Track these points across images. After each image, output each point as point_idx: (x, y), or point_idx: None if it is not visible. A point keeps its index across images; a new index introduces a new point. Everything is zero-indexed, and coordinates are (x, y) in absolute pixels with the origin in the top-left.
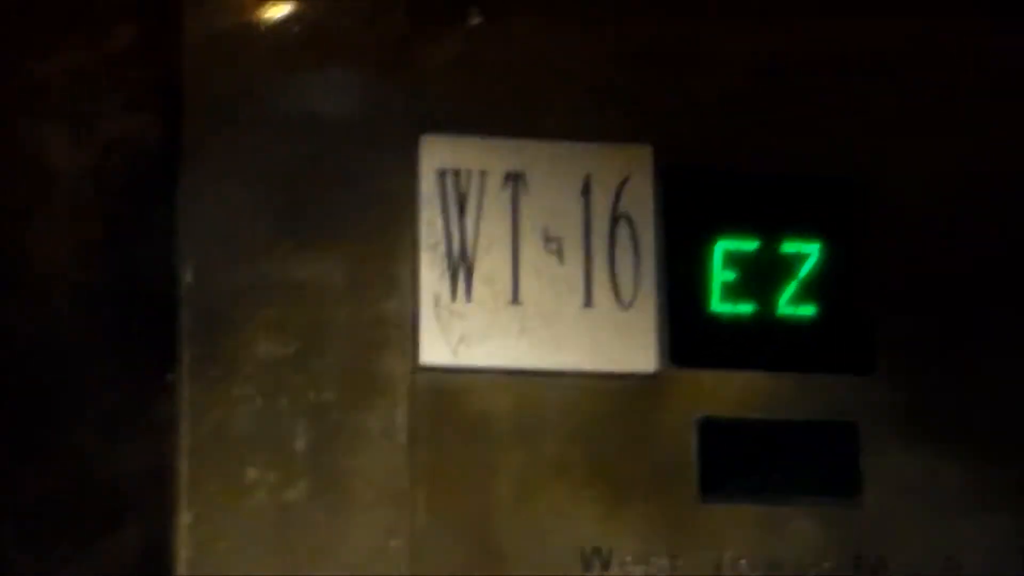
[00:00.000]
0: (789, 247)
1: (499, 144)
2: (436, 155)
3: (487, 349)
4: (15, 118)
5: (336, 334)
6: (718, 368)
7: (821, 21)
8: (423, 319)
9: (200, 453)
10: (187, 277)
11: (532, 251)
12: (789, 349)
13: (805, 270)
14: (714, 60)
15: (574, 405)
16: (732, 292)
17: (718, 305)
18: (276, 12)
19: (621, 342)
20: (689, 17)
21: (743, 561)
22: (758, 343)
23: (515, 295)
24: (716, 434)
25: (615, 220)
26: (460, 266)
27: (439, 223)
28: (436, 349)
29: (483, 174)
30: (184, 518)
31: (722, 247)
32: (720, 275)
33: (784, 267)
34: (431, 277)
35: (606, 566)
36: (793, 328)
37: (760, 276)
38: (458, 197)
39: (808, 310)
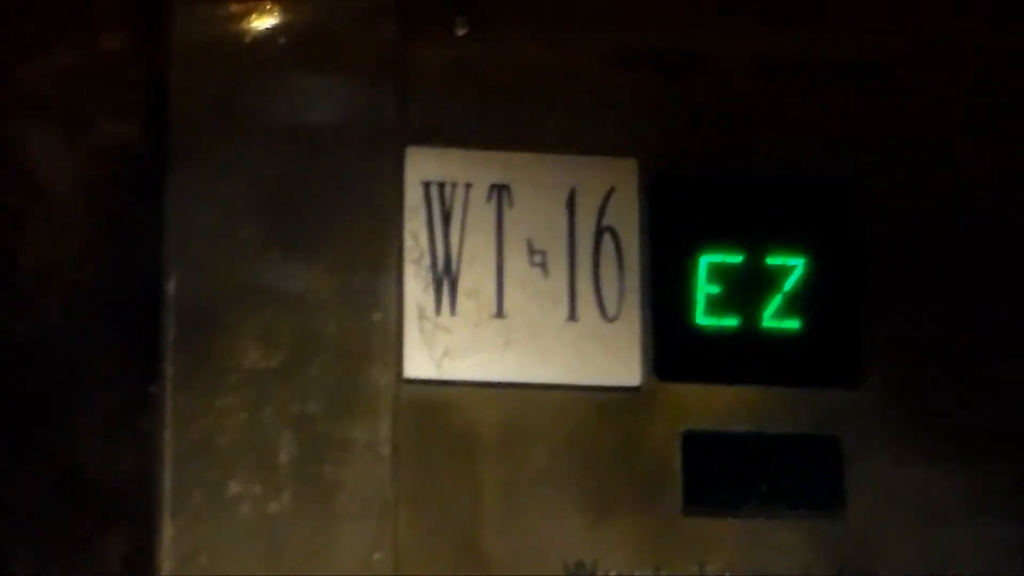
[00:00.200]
0: (774, 260)
1: (484, 156)
2: (421, 167)
3: (471, 362)
4: (3, 122)
5: (321, 346)
6: (703, 381)
7: (811, 31)
8: (407, 332)
9: (184, 464)
10: (171, 287)
11: (517, 264)
12: (774, 363)
13: (790, 284)
14: (701, 75)
15: (558, 419)
16: (717, 305)
17: (703, 318)
18: (264, 20)
19: (606, 355)
20: (676, 32)
21: (727, 574)
22: (743, 357)
23: (500, 308)
24: (701, 447)
25: (600, 233)
26: (444, 279)
27: (424, 235)
28: (420, 362)
29: (468, 186)
30: (167, 529)
31: (707, 260)
32: (704, 288)
33: (769, 280)
34: (415, 290)
35: None
36: (778, 341)
37: (745, 289)
38: (443, 209)
39: (793, 324)
